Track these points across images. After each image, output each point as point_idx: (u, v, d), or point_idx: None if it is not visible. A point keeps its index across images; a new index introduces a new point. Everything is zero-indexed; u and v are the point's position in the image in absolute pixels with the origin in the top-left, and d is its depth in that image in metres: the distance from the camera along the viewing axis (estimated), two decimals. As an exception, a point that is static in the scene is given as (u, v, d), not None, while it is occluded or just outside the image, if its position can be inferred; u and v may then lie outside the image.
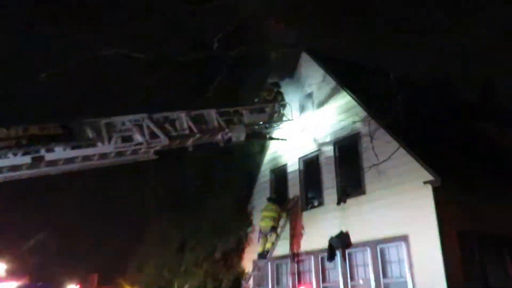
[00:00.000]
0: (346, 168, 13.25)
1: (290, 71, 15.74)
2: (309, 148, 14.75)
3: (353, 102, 13.27)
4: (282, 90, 15.10)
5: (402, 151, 11.43)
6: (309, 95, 15.10)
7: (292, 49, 14.37)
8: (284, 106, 14.74)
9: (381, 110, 11.96)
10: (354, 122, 12.80)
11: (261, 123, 14.09)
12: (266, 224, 13.82)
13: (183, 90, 18.04)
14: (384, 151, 11.69)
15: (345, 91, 13.62)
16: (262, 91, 14.79)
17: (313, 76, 15.00)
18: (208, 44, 14.98)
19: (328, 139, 14.08)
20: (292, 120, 14.79)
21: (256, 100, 14.26)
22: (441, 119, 13.70)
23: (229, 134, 12.84)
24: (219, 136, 12.74)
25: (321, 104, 14.59)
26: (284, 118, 14.66)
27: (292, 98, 15.18)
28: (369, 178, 12.23)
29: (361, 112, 12.88)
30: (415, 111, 12.58)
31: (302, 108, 15.27)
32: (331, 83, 14.24)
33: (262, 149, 16.61)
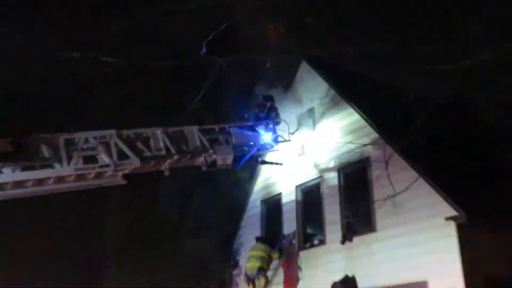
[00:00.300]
0: (353, 200, 13.34)
1: (287, 83, 15.98)
2: (308, 175, 14.89)
3: (363, 122, 13.35)
4: (277, 105, 15.23)
5: (421, 181, 11.41)
6: (310, 112, 15.30)
7: (290, 56, 14.31)
8: (279, 124, 14.89)
9: (396, 132, 12.01)
10: (364, 145, 12.83)
11: (251, 144, 14.04)
12: (253, 264, 13.86)
13: (160, 103, 18.27)
14: (399, 181, 11.67)
15: (353, 108, 13.68)
16: (253, 106, 14.93)
17: (315, 89, 15.15)
18: (191, 50, 15.14)
19: (331, 165, 14.20)
20: (289, 141, 14.86)
21: (246, 116, 14.39)
22: (466, 145, 13.91)
23: (214, 156, 12.82)
24: (201, 159, 12.77)
25: (324, 122, 14.78)
26: (279, 139, 14.73)
27: (289, 115, 15.40)
28: (380, 212, 12.19)
29: (372, 134, 12.94)
30: (436, 135, 12.51)
31: (301, 127, 15.50)
32: (336, 98, 14.36)
33: (252, 175, 16.80)
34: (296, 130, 15.35)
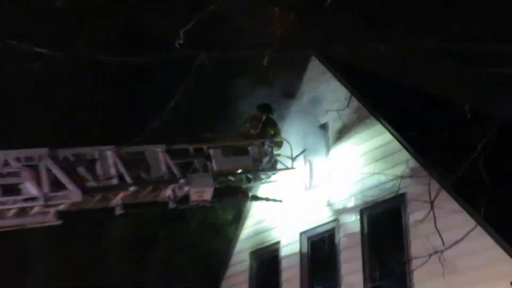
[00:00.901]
0: (382, 255, 13.37)
1: (291, 88, 16.07)
2: (318, 218, 14.85)
3: (397, 144, 13.30)
4: (277, 119, 15.43)
5: (479, 230, 11.19)
6: (322, 129, 15.38)
7: (297, 53, 14.35)
8: (279, 145, 15.03)
9: (445, 160, 11.89)
10: (398, 178, 12.62)
11: (239, 172, 14.28)
12: None
13: (115, 112, 18.63)
14: (449, 229, 11.35)
15: (384, 124, 13.62)
16: (245, 120, 15.20)
17: (330, 97, 15.22)
18: (162, 42, 15.40)
19: (351, 204, 14.12)
20: (292, 168, 14.92)
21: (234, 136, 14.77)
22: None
23: (186, 189, 12.96)
24: (168, 192, 12.97)
25: (341, 144, 14.77)
26: (279, 165, 14.83)
27: (293, 132, 15.46)
28: (422, 273, 11.88)
29: (411, 161, 12.84)
30: (501, 167, 12.42)
31: (309, 150, 15.48)
32: (360, 110, 14.34)
33: (239, 216, 16.87)
34: (302, 153, 15.40)
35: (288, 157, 15.07)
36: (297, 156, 15.15)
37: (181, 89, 16.09)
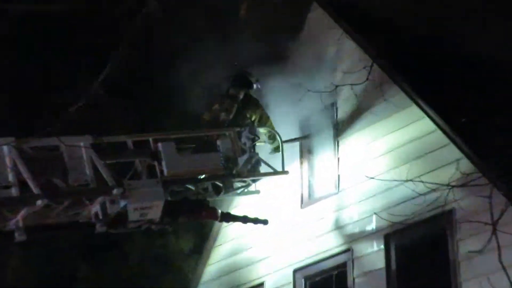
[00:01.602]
0: None
1: (281, 51, 16.31)
2: (322, 247, 15.07)
3: (442, 137, 13.28)
4: (260, 97, 15.69)
5: None
6: (328, 112, 15.66)
7: None
8: (270, 138, 15.34)
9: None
10: (444, 187, 12.59)
11: (203, 177, 14.43)
12: None
13: (17, 87, 19.19)
14: None
15: (423, 108, 13.63)
16: (214, 99, 15.44)
17: (340, 65, 15.45)
18: None
19: (371, 226, 14.31)
20: (284, 173, 15.03)
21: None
22: None
23: (122, 203, 13.04)
24: (95, 208, 13.08)
25: (356, 134, 15.01)
26: (263, 168, 14.92)
27: (284, 118, 15.73)
28: None
29: (463, 162, 12.79)
30: None
31: (308, 143, 15.91)
32: (387, 85, 14.43)
33: (202, 245, 17.19)
34: (297, 140, 15.93)
35: (276, 156, 15.14)
36: (292, 141, 15.53)
37: (119, 51, 16.12)
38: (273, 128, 15.30)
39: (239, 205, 15.98)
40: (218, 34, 16.44)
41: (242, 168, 14.45)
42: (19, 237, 12.64)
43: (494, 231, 11.64)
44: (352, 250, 14.39)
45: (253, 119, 15.20)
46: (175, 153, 13.83)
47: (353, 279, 14.26)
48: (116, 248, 16.14)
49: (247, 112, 15.20)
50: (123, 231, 13.57)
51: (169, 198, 13.62)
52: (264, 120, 15.33)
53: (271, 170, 14.86)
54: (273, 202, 15.61)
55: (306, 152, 15.78)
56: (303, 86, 15.53)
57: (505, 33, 16.00)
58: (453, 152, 12.99)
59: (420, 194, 13.16)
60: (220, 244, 16.78)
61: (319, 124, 15.61)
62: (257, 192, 15.19)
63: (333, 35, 15.55)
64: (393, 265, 13.73)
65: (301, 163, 15.75)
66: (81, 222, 13.34)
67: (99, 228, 13.19)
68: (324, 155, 15.45)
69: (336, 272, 14.67)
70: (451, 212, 12.87)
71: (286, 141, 15.34)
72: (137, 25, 16.09)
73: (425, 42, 16.01)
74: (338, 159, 15.14)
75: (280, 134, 15.26)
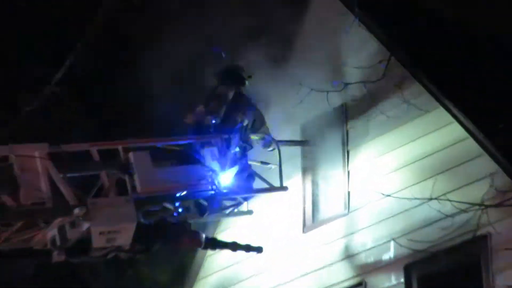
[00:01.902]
0: None
1: (280, 41, 16.52)
2: (330, 280, 15.21)
3: (474, 146, 13.24)
4: (256, 95, 15.82)
5: None
6: (336, 115, 15.86)
7: None
8: (267, 146, 15.52)
9: None
10: (480, 207, 12.34)
11: (185, 194, 14.39)
12: None
13: None
14: None
15: (452, 112, 13.64)
16: (198, 99, 15.47)
17: (351, 59, 15.60)
18: None
19: (389, 255, 14.31)
20: (283, 189, 15.19)
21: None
22: None
23: (85, 226, 12.95)
24: (52, 232, 12.97)
25: (370, 143, 15.23)
26: (258, 184, 15.13)
27: (283, 122, 15.94)
28: None
29: (499, 177, 12.76)
30: None
31: (313, 153, 16.02)
32: (408, 83, 14.55)
33: (182, 277, 17.66)
34: (300, 159, 16.21)
35: (274, 168, 15.23)
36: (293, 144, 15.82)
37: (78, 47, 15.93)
38: (269, 135, 15.34)
39: (227, 228, 16.23)
40: (193, 10, 16.58)
41: (232, 184, 14.57)
42: None
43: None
44: (366, 284, 14.49)
45: (245, 123, 15.16)
46: (150, 165, 13.72)
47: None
48: (75, 281, 15.90)
49: (238, 115, 15.14)
50: (86, 260, 13.57)
51: (142, 220, 13.37)
52: (258, 125, 15.31)
53: (267, 186, 15.03)
54: (269, 225, 15.88)
55: (309, 164, 15.93)
56: (306, 84, 15.65)
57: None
58: (487, 164, 12.96)
59: (447, 216, 13.21)
60: (205, 277, 17.15)
61: (325, 130, 15.81)
62: (250, 212, 15.38)
63: (342, 22, 15.59)
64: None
65: (304, 177, 15.90)
66: (34, 249, 13.29)
67: (57, 256, 13.07)
68: (331, 168, 15.58)
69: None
70: (485, 237, 12.82)
71: (285, 144, 15.47)
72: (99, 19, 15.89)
73: (455, 31, 15.98)
74: (348, 172, 15.26)
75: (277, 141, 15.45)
